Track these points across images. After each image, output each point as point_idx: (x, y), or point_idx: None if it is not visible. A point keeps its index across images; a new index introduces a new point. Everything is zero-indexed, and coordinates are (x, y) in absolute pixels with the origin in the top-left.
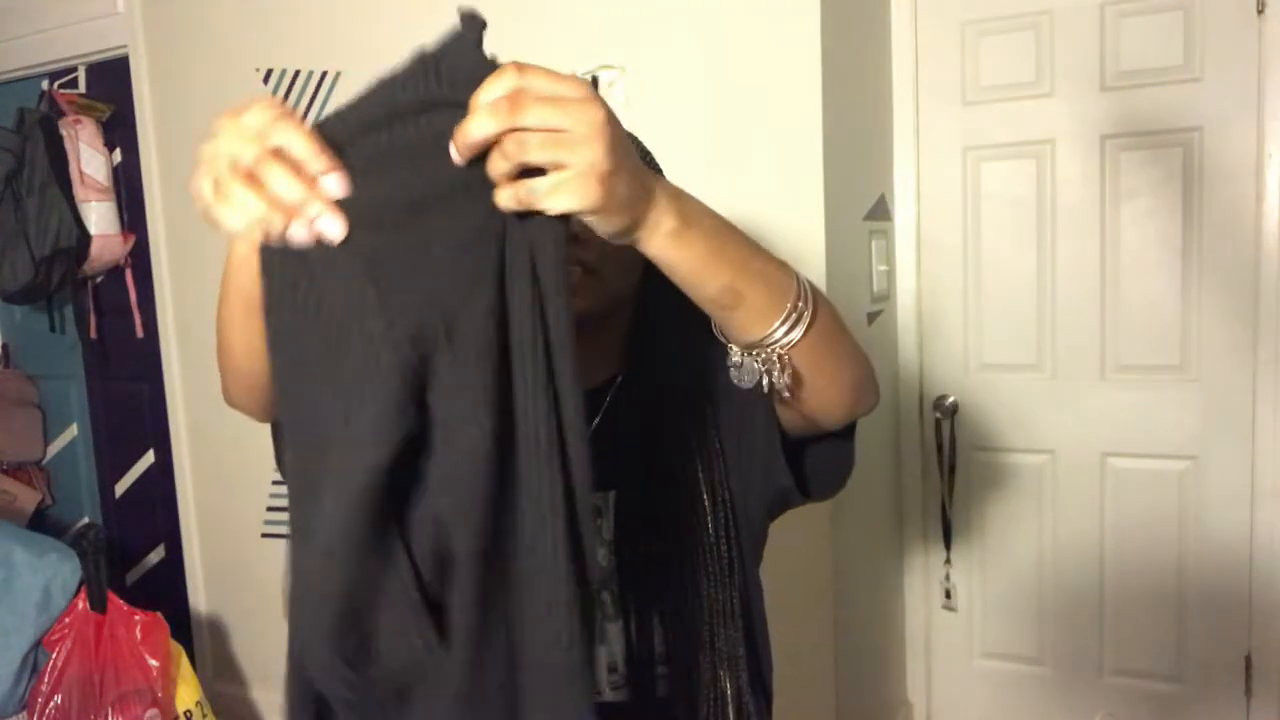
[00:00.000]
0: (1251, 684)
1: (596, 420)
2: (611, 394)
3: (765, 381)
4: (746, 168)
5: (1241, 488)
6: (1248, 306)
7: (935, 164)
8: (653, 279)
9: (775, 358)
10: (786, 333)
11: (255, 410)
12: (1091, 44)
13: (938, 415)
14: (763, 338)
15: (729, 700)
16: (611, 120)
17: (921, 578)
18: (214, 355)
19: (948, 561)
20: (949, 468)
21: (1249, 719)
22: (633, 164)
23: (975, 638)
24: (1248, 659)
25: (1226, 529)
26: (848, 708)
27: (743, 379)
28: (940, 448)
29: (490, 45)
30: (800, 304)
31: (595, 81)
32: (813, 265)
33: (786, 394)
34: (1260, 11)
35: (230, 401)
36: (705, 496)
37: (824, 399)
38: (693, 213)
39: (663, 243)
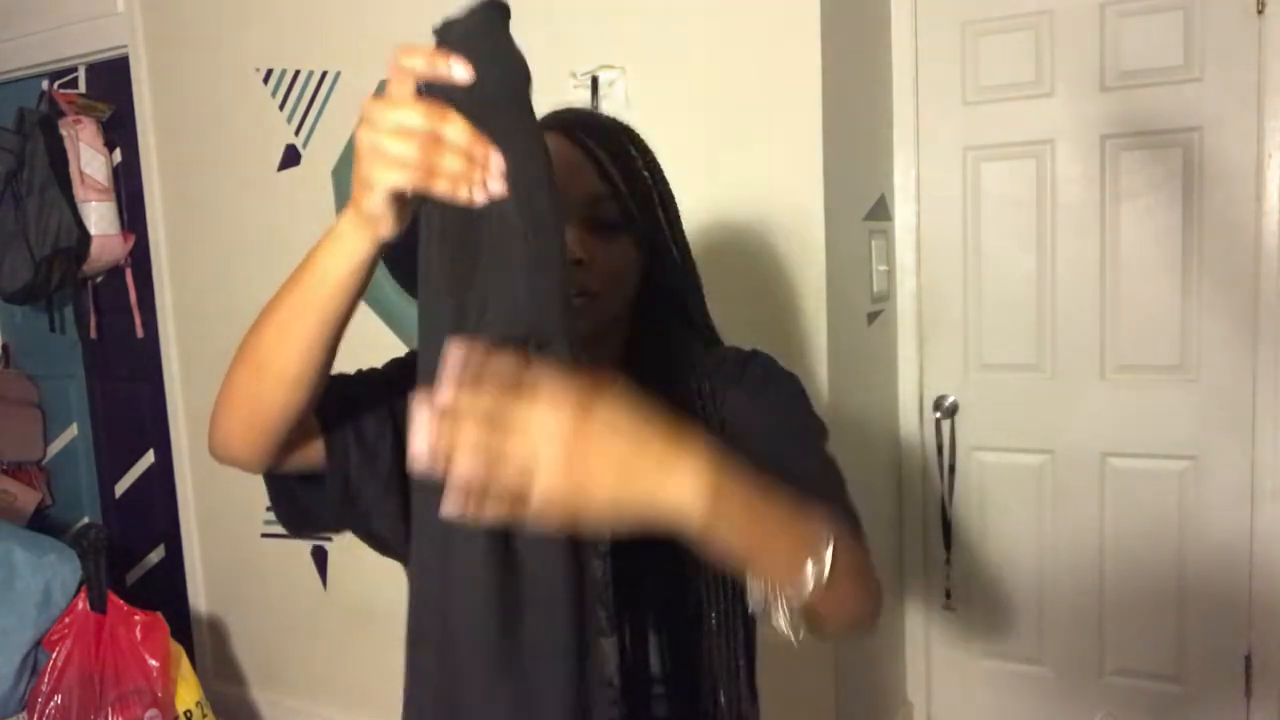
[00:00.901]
0: (1251, 684)
1: None
2: None
3: (777, 625)
4: (746, 167)
5: (1241, 488)
6: (1248, 306)
7: (935, 164)
8: (648, 294)
9: (785, 599)
10: (798, 587)
11: (257, 453)
12: (1091, 44)
13: (938, 415)
14: (772, 588)
15: (725, 717)
16: (571, 434)
17: (921, 578)
18: (213, 354)
19: (948, 561)
20: (949, 468)
21: (1249, 719)
22: (621, 449)
23: (975, 638)
24: (1248, 659)
25: (1226, 529)
26: (848, 708)
27: (756, 606)
28: (940, 448)
29: None
30: (817, 564)
31: (595, 81)
32: (813, 265)
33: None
34: (1260, 11)
35: (224, 449)
36: None
37: (825, 619)
38: (724, 492)
39: (685, 518)
